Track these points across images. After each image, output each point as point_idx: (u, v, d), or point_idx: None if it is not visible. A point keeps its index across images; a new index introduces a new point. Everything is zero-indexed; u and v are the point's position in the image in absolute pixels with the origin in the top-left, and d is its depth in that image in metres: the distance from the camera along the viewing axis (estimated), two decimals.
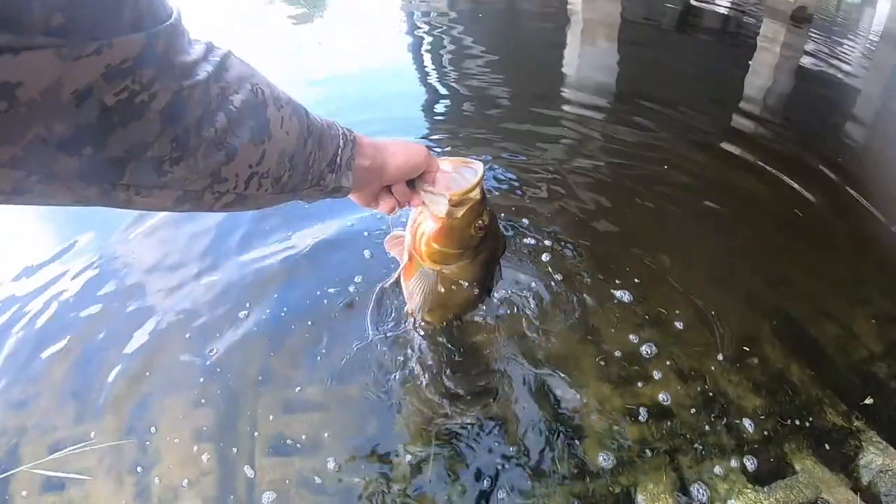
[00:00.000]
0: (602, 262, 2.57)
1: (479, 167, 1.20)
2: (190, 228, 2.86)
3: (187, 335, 2.24)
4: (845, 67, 6.28)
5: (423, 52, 5.94)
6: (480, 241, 1.29)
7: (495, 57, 5.67)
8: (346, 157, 1.00)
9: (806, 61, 6.40)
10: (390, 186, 1.16)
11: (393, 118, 4.11)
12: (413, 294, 1.44)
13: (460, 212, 1.19)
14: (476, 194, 1.19)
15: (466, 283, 1.43)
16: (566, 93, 4.87)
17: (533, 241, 2.65)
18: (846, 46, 7.49)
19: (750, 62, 6.23)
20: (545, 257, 2.56)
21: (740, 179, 3.50)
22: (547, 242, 2.64)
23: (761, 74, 5.93)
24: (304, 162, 0.90)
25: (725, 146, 3.96)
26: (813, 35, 7.70)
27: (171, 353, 2.19)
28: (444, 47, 6.02)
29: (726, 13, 9.01)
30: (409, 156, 1.13)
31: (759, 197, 3.33)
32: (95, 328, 2.30)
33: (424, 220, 1.25)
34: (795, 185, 3.41)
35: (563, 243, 2.67)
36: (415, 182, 1.19)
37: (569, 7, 8.16)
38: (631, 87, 5.10)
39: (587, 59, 6.14)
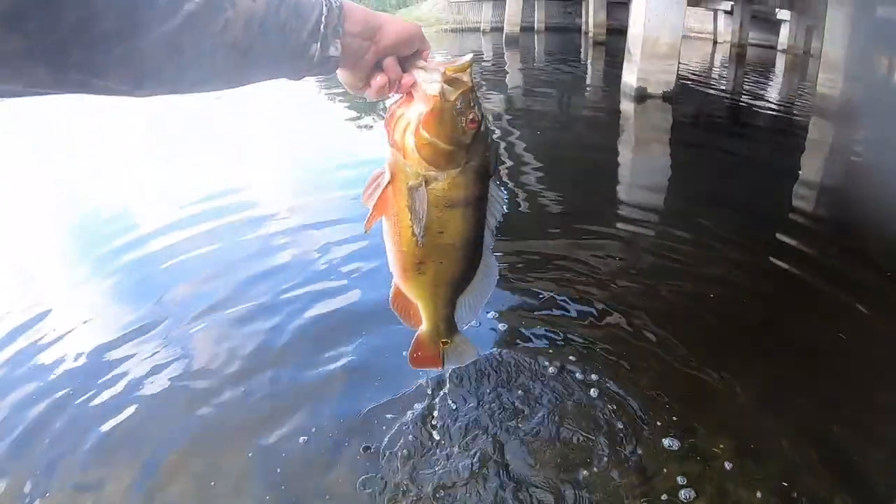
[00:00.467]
0: (650, 392, 2.69)
1: (467, 56, 1.16)
2: (256, 326, 3.25)
3: (251, 443, 2.45)
4: None
5: None
6: (471, 141, 1.18)
7: (549, 163, 6.05)
8: (332, 23, 0.94)
9: (856, 157, 6.52)
10: (381, 64, 1.08)
11: None
12: (402, 228, 1.27)
13: (454, 93, 1.12)
14: (468, 80, 1.14)
15: (460, 206, 1.25)
16: (619, 202, 5.12)
17: (580, 373, 2.81)
18: None
19: (800, 161, 6.42)
20: (593, 392, 2.70)
21: (790, 295, 3.57)
22: (593, 375, 2.79)
23: (811, 174, 6.10)
24: (277, 30, 0.86)
25: (776, 257, 4.05)
26: (862, 127, 7.81)
27: (235, 460, 2.39)
28: (500, 153, 6.41)
29: (775, 112, 9.30)
30: (406, 25, 1.08)
31: (807, 315, 3.39)
32: (156, 418, 2.62)
33: (410, 108, 1.15)
34: (843, 300, 3.48)
35: (610, 373, 2.80)
36: (405, 63, 1.14)
37: (621, 118, 8.62)
38: (684, 193, 5.34)
39: (640, 166, 6.51)
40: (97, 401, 2.74)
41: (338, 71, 1.02)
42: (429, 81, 1.11)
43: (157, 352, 3.07)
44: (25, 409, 2.72)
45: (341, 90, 10.28)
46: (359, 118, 8.37)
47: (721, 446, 2.42)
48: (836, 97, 8.63)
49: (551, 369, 2.82)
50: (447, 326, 1.46)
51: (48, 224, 5.52)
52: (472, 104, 1.15)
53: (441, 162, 1.18)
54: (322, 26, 0.93)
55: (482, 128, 1.19)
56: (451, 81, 1.11)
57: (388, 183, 1.21)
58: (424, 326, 1.46)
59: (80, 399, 2.75)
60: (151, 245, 4.53)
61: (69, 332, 3.34)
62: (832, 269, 3.92)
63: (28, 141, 8.29)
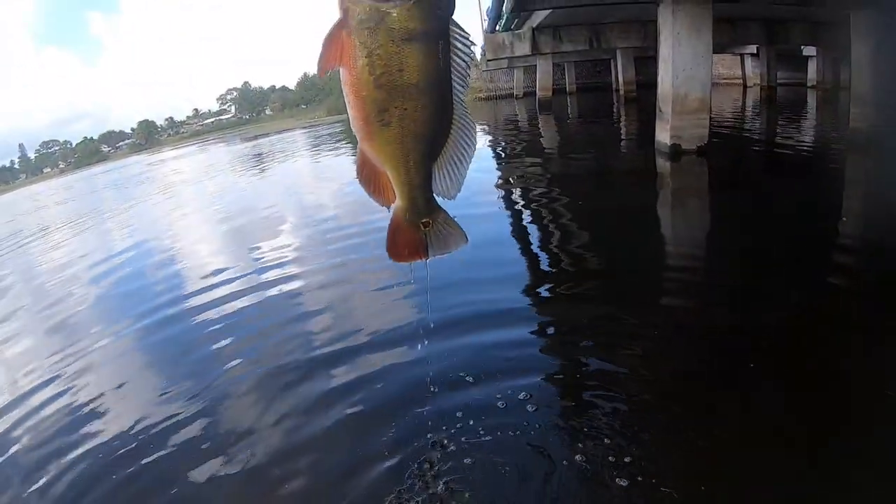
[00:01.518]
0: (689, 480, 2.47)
1: None
2: (287, 392, 3.49)
3: None
4: None
5: (522, 224, 6.73)
6: None
7: (590, 227, 6.29)
8: None
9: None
10: None
11: (494, 280, 4.79)
12: (360, 70, 1.17)
13: None
14: None
15: (418, 40, 1.16)
16: (660, 262, 5.18)
17: (613, 455, 2.60)
18: None
19: (839, 201, 6.49)
20: (623, 481, 2.46)
21: (841, 353, 3.32)
22: (627, 457, 2.57)
23: (852, 214, 6.15)
24: None
25: (821, 315, 3.85)
26: None
27: None
28: (542, 220, 6.73)
29: (810, 153, 9.49)
30: None
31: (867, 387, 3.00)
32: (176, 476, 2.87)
33: None
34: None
35: (645, 456, 2.59)
36: None
37: (658, 176, 8.85)
38: (723, 249, 5.42)
39: (680, 223, 6.73)
40: (124, 454, 3.10)
41: None
42: None
43: (187, 411, 3.42)
44: (59, 458, 3.15)
45: None
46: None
47: None
48: (869, 130, 8.77)
49: (579, 457, 2.64)
50: (425, 199, 1.31)
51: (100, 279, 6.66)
52: None
53: None
54: None
55: None
56: None
57: (342, 22, 1.15)
58: (399, 201, 1.31)
59: (106, 451, 3.16)
60: (189, 306, 5.29)
61: (106, 388, 3.92)
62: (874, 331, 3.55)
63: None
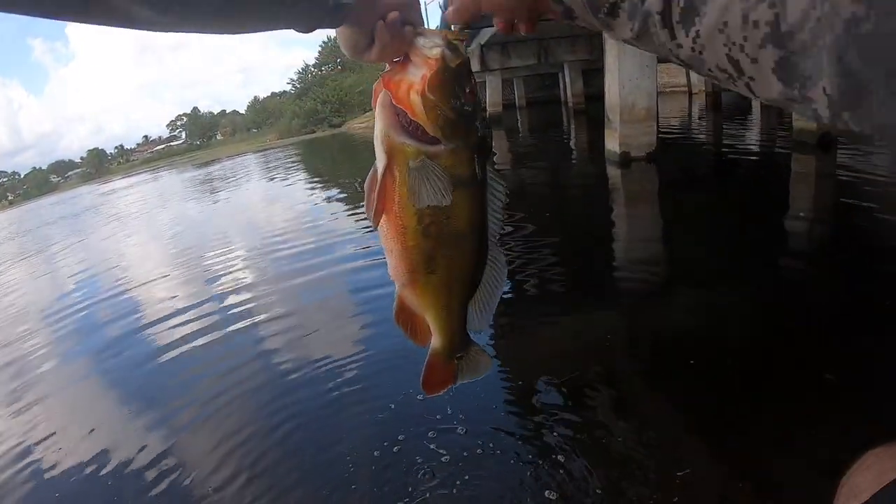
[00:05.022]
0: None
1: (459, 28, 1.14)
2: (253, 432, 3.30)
3: None
4: (884, 182, 6.45)
5: None
6: (471, 114, 1.11)
7: (545, 234, 6.26)
8: None
9: (842, 186, 6.70)
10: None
11: None
12: (406, 219, 1.12)
13: (456, 59, 1.06)
14: (464, 50, 1.09)
15: (464, 185, 1.12)
16: (616, 268, 5.17)
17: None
18: (880, 158, 7.55)
19: (787, 198, 6.60)
20: None
21: (801, 348, 3.22)
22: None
23: (801, 209, 6.23)
24: None
25: (779, 306, 3.84)
26: (843, 156, 8.14)
27: None
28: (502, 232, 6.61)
29: (757, 154, 9.65)
30: None
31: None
32: None
33: (408, 73, 1.07)
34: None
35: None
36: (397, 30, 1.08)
37: (609, 184, 8.91)
38: (677, 250, 5.44)
39: (633, 229, 6.69)
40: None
41: (340, 29, 0.93)
42: (429, 46, 1.07)
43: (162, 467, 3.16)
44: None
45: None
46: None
47: None
48: (813, 128, 8.93)
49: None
50: (462, 338, 1.26)
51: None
52: (469, 74, 1.10)
53: (447, 132, 1.09)
54: None
55: (478, 100, 1.13)
56: (451, 47, 1.06)
57: (386, 170, 1.09)
58: (437, 343, 1.25)
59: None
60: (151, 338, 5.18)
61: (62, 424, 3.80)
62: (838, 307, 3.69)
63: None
